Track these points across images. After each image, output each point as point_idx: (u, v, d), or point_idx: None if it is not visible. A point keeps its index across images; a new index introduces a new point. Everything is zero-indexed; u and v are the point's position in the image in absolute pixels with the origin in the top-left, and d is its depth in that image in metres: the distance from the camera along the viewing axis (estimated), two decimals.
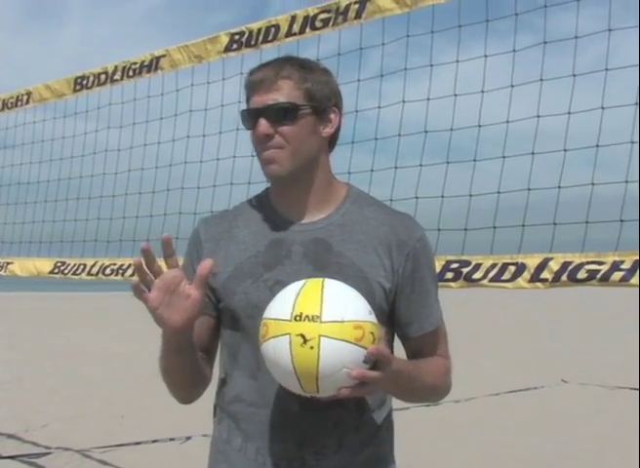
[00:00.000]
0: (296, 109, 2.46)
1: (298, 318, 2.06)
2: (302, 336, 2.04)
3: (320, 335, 2.04)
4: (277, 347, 2.09)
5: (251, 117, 2.48)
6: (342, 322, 2.07)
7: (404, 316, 2.55)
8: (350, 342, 2.07)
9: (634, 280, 3.94)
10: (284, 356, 2.07)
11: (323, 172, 2.61)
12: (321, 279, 2.22)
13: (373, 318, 2.17)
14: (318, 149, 2.57)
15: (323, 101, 2.54)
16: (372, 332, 2.12)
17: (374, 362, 2.12)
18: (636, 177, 4.14)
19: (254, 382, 2.48)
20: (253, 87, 2.49)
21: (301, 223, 2.55)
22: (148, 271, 2.21)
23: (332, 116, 2.58)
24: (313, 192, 2.56)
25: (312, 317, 2.06)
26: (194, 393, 2.61)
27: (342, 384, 2.11)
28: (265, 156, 2.47)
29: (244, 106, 2.59)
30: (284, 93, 2.45)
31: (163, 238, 2.25)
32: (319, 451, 2.45)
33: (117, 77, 6.82)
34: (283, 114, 2.44)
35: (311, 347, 2.04)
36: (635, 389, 12.59)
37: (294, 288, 2.19)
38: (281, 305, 2.14)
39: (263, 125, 2.43)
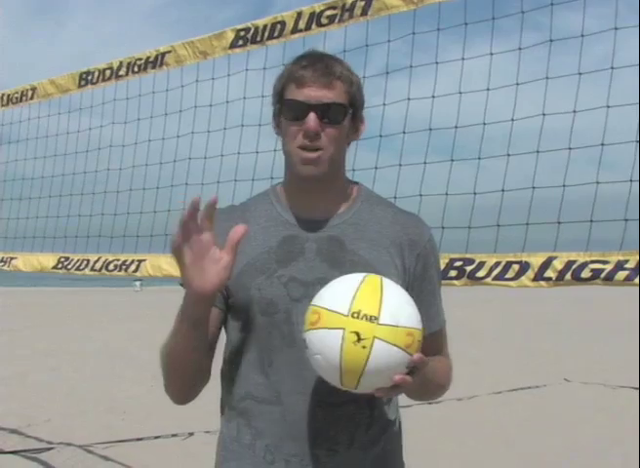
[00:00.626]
0: (345, 112, 2.45)
1: (355, 315, 2.05)
2: (357, 335, 2.03)
3: (375, 337, 2.04)
4: (327, 339, 2.07)
5: (299, 109, 2.42)
6: (397, 327, 2.07)
7: None
8: (400, 348, 2.07)
9: (638, 279, 3.94)
10: (333, 349, 2.05)
11: (342, 173, 2.60)
12: (379, 277, 2.20)
13: (421, 325, 2.17)
14: (345, 153, 2.57)
15: (360, 108, 2.56)
16: (419, 340, 2.13)
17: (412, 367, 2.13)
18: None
19: (265, 379, 2.45)
20: (304, 79, 2.41)
21: (314, 221, 2.53)
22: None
23: (361, 126, 2.59)
24: (329, 192, 2.55)
25: (370, 317, 2.05)
26: (193, 388, 2.54)
27: (381, 385, 2.11)
28: (307, 157, 2.41)
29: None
30: (337, 93, 2.42)
31: (211, 199, 2.23)
32: (331, 448, 2.44)
33: (122, 73, 6.82)
34: (334, 115, 2.42)
35: (364, 346, 2.03)
36: (636, 388, 12.62)
37: (352, 281, 2.17)
38: (339, 297, 2.12)
39: (314, 120, 2.38)
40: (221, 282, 2.24)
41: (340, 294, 2.13)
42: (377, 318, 2.05)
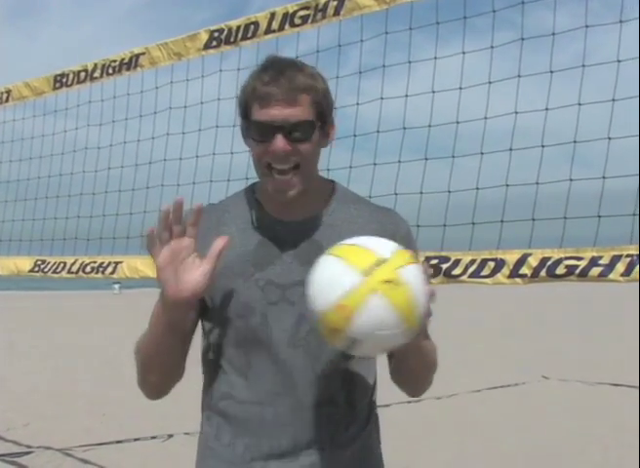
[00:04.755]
0: (313, 127, 2.40)
1: (368, 273, 1.96)
2: (388, 281, 1.95)
3: (396, 269, 1.97)
4: (372, 310, 1.95)
5: (265, 130, 2.36)
6: (398, 251, 2.04)
7: None
8: (414, 263, 2.03)
9: (612, 275, 3.98)
10: (384, 312, 1.96)
11: (316, 176, 2.58)
12: (337, 244, 2.15)
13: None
14: (318, 160, 2.54)
15: (328, 116, 2.50)
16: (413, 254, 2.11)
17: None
18: (613, 173, 4.19)
19: (244, 380, 2.45)
20: (267, 98, 2.34)
21: (291, 222, 2.52)
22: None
23: (331, 131, 2.54)
24: (305, 195, 2.51)
25: (377, 262, 1.98)
26: (167, 384, 2.55)
27: (426, 310, 2.05)
28: (282, 182, 2.38)
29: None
30: (303, 109, 2.36)
31: (195, 206, 2.25)
32: (310, 447, 2.45)
33: (97, 75, 6.81)
34: (302, 132, 2.37)
35: (401, 283, 1.95)
36: (614, 385, 12.69)
37: (326, 265, 2.09)
38: (338, 281, 2.00)
39: (282, 141, 2.33)
40: (198, 290, 2.23)
41: (337, 278, 2.02)
42: (381, 258, 1.99)
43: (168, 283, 2.21)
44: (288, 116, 2.34)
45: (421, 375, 2.58)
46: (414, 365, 2.46)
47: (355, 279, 1.97)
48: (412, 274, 2.00)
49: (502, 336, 21.74)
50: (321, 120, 2.45)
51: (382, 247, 2.05)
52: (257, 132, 2.39)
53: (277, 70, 2.39)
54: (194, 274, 2.22)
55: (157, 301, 2.37)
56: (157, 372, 2.51)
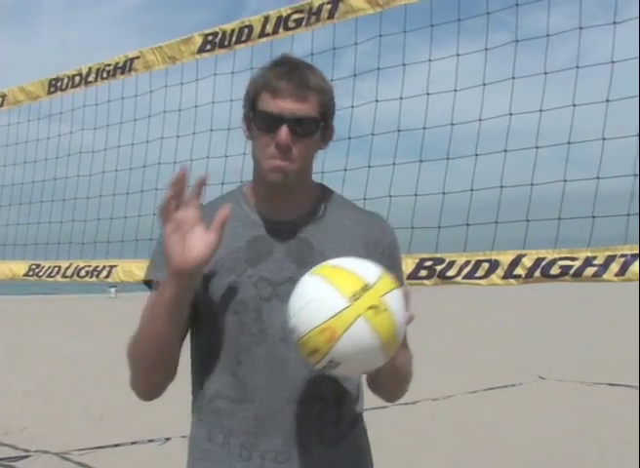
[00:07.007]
0: (317, 126, 2.46)
1: (355, 297, 2.02)
2: (372, 307, 2.01)
3: (380, 296, 2.04)
4: (356, 334, 2.02)
5: (272, 121, 2.41)
6: (382, 277, 2.09)
7: None
8: (396, 288, 2.10)
9: (607, 275, 3.98)
10: (368, 337, 2.03)
11: (309, 176, 2.62)
12: (321, 265, 2.20)
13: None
14: (313, 161, 2.58)
15: (330, 118, 2.55)
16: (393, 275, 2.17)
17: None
18: (608, 174, 4.20)
19: (235, 379, 2.46)
20: (278, 90, 2.40)
21: (281, 222, 2.55)
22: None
23: (329, 134, 2.58)
24: (296, 194, 2.56)
25: (364, 287, 2.04)
26: (161, 382, 2.52)
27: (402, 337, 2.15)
28: (275, 164, 2.41)
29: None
30: (311, 106, 2.42)
31: (201, 176, 2.33)
32: (303, 445, 2.46)
33: (91, 79, 6.80)
34: (306, 128, 2.42)
35: (384, 310, 2.03)
36: (611, 385, 12.70)
37: (312, 286, 2.13)
38: (326, 303, 2.05)
39: (286, 134, 2.37)
40: (203, 259, 2.25)
41: (324, 300, 2.06)
42: (367, 284, 2.04)
43: (173, 251, 2.24)
44: (296, 110, 2.39)
45: (395, 388, 2.61)
46: (386, 379, 2.48)
47: (342, 303, 2.03)
48: (395, 300, 2.08)
49: (499, 337, 21.78)
50: (324, 121, 2.49)
51: (367, 271, 2.11)
52: (263, 122, 2.44)
53: (291, 66, 2.47)
54: (199, 244, 2.24)
55: (150, 295, 2.44)
56: (153, 368, 2.48)
